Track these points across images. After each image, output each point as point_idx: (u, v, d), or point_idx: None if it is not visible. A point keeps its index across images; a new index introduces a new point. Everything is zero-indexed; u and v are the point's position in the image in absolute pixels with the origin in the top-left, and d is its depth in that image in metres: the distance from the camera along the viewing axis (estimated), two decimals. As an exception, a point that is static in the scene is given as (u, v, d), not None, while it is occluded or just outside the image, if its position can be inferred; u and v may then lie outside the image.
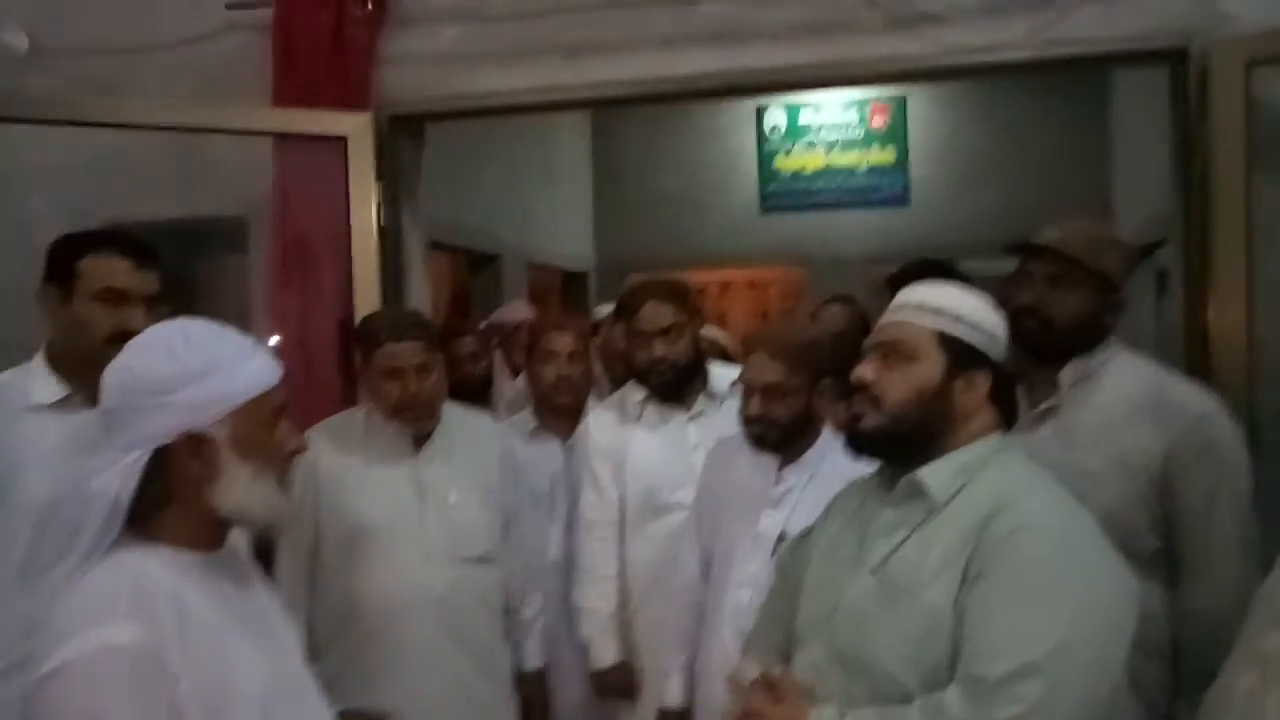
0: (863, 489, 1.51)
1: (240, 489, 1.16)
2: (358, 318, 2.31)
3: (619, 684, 2.26)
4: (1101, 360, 1.77)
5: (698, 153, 6.24)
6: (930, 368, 1.33)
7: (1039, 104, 5.57)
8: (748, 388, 1.87)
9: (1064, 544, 1.23)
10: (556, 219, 5.91)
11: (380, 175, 2.37)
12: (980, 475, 1.31)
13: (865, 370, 1.38)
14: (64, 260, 1.73)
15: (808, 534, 1.62)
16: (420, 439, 2.05)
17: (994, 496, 1.27)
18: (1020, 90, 5.59)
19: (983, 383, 1.34)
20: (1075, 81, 5.39)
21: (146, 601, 1.07)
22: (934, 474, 1.32)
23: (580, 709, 2.37)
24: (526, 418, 2.55)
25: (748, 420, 1.87)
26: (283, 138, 2.33)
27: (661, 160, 6.30)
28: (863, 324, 2.68)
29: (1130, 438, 1.71)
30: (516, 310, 3.77)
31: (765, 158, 6.09)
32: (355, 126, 2.30)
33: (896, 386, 1.34)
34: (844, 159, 5.93)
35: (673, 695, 2.03)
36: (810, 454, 1.90)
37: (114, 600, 1.06)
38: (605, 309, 3.92)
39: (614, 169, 6.43)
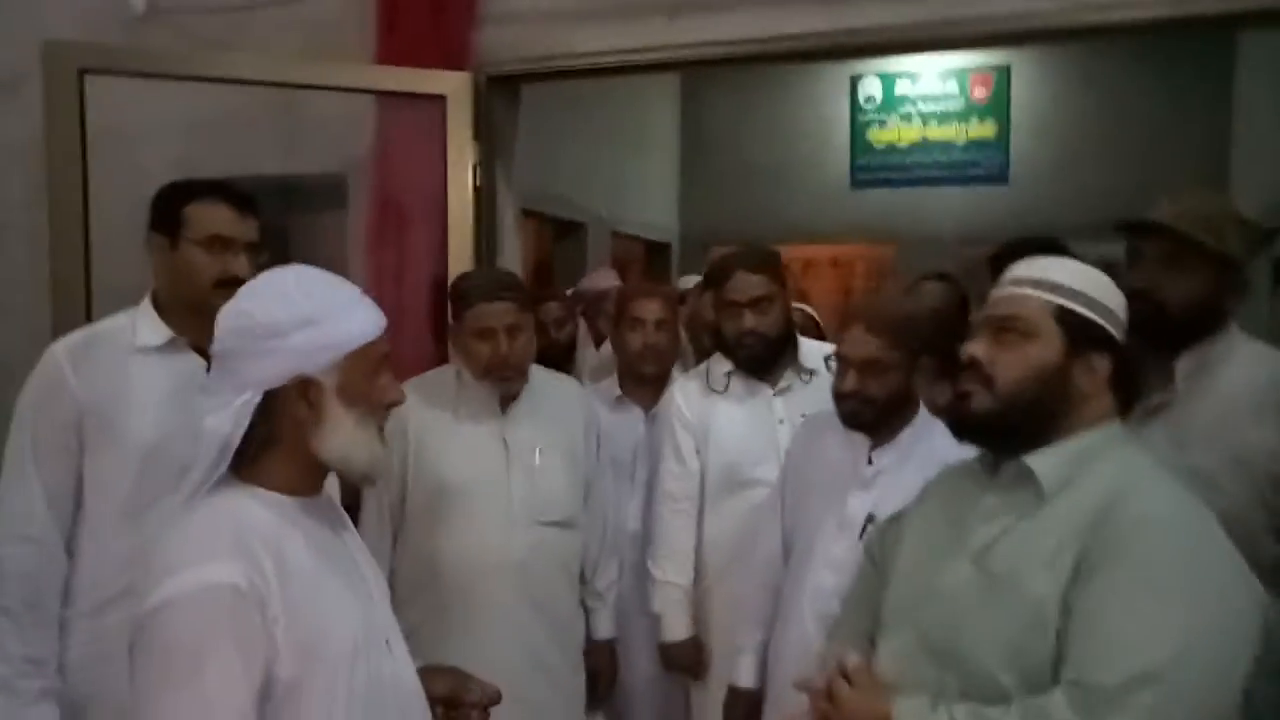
0: (960, 474, 1.44)
1: (344, 436, 1.17)
2: (451, 277, 2.33)
3: (688, 659, 2.24)
4: (1221, 350, 1.67)
5: (788, 124, 6.10)
6: (1048, 347, 1.26)
7: (1152, 74, 5.27)
8: (843, 362, 1.81)
9: (1189, 541, 1.15)
10: (642, 188, 5.87)
11: (477, 135, 2.37)
12: (1094, 465, 1.23)
13: (976, 347, 1.30)
14: (170, 208, 1.78)
15: (899, 518, 1.57)
16: (507, 400, 2.06)
17: (1111, 488, 1.20)
18: (1132, 59, 5.29)
19: (1102, 365, 1.26)
20: (1195, 49, 5.07)
21: (247, 542, 1.09)
22: (1045, 461, 1.25)
23: (648, 682, 2.36)
24: (611, 385, 2.54)
25: (841, 396, 1.81)
26: (384, 96, 2.35)
27: (751, 131, 6.18)
28: (961, 303, 2.58)
29: (1252, 435, 1.60)
30: (603, 278, 3.75)
31: (858, 130, 5.91)
32: (455, 85, 2.30)
33: (1011, 366, 1.27)
34: (941, 132, 5.71)
35: (745, 675, 2.01)
36: (905, 435, 1.83)
37: (216, 540, 1.08)
38: (690, 280, 3.88)
39: (702, 138, 6.34)
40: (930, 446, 1.81)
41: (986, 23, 2.20)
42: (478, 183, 2.41)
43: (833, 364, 1.88)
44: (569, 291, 3.60)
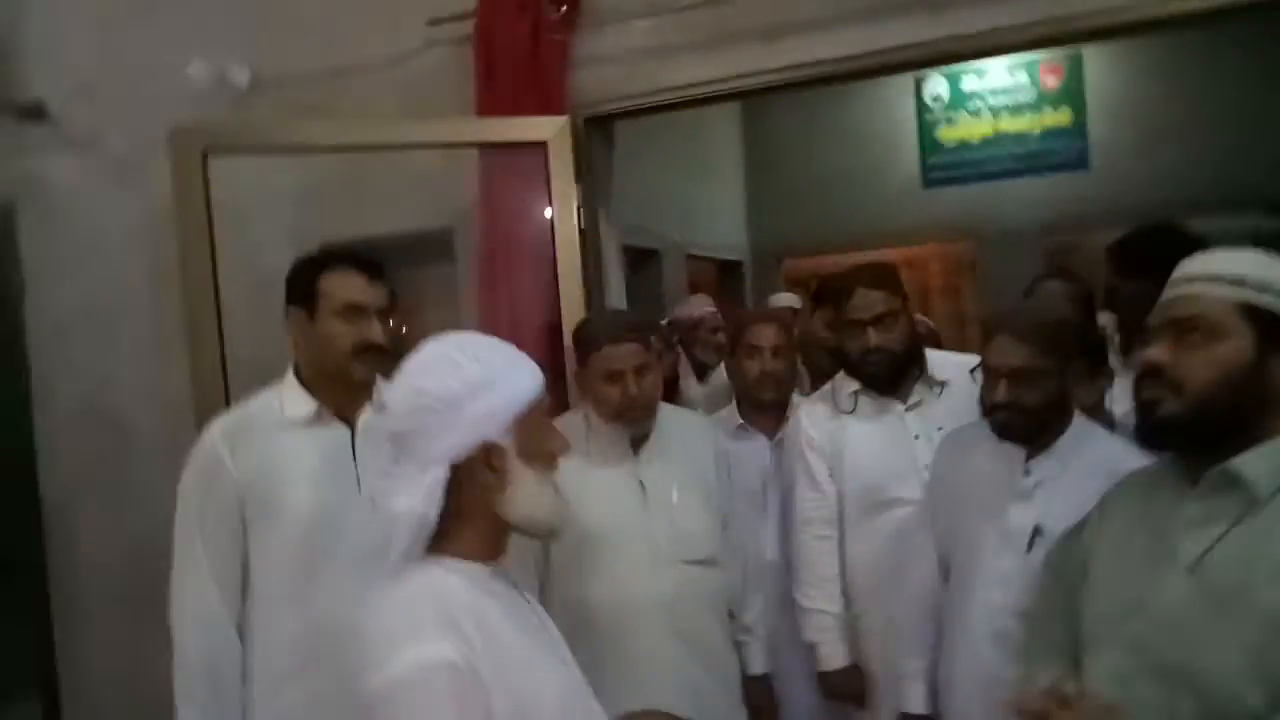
0: (1150, 481, 1.38)
1: (529, 496, 1.17)
2: (565, 320, 2.34)
3: (850, 687, 2.19)
4: None
5: (853, 130, 6.03)
6: (1238, 345, 1.20)
7: (1231, 52, 5.08)
8: (992, 373, 1.76)
9: None
10: (710, 209, 5.86)
11: (578, 177, 2.38)
12: None
13: (1158, 353, 1.25)
14: (305, 281, 1.81)
15: (1080, 530, 1.50)
16: (638, 441, 2.05)
17: None
18: (1211, 36, 5.12)
19: None
20: (1269, 27, 4.89)
21: (454, 616, 1.09)
22: (1253, 463, 1.19)
23: (809, 711, 2.31)
24: (730, 414, 2.51)
25: (993, 408, 1.76)
26: (487, 147, 2.38)
27: (815, 142, 6.12)
28: (1086, 301, 2.49)
29: None
30: (697, 305, 3.74)
31: (926, 129, 5.81)
32: (554, 130, 2.32)
33: (1199, 369, 1.21)
34: (1014, 124, 5.58)
35: (915, 701, 1.95)
36: (1062, 442, 1.77)
37: (423, 617, 1.08)
38: (783, 299, 3.84)
39: (766, 154, 6.31)
40: (1092, 453, 1.75)
41: (1061, 23, 2.12)
42: (582, 224, 2.41)
43: (978, 376, 1.82)
44: (664, 321, 3.59)
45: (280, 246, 2.52)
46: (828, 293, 2.40)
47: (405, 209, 2.58)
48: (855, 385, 2.21)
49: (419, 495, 1.13)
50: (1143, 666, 1.22)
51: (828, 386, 2.31)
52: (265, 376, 1.87)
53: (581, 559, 2.00)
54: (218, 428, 1.78)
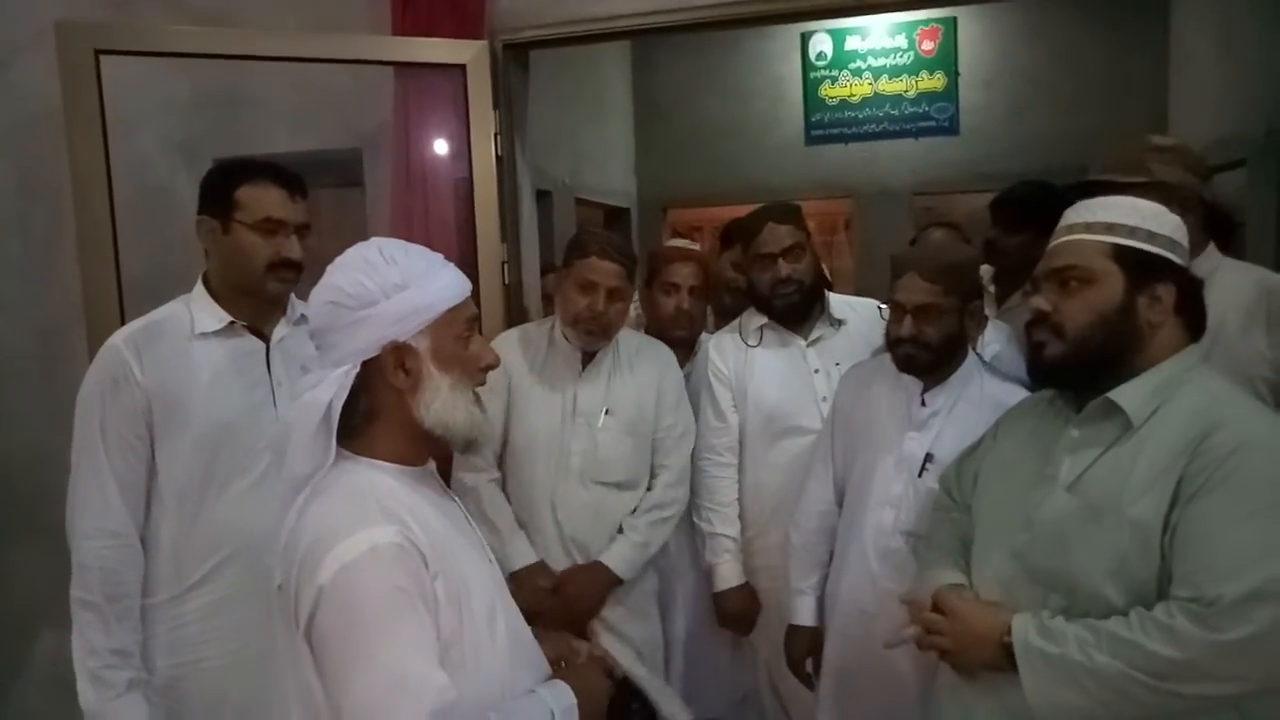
0: (1036, 410, 1.51)
1: (442, 401, 1.18)
2: (479, 249, 2.34)
3: (743, 605, 2.30)
4: (1206, 271, 1.70)
5: (741, 83, 6.15)
6: (1109, 287, 1.31)
7: (1094, 23, 5.47)
8: (898, 308, 1.88)
9: None
10: (600, 155, 5.85)
11: (496, 104, 2.35)
12: (1179, 393, 1.29)
13: (1042, 301, 1.37)
14: (221, 191, 1.75)
15: (972, 455, 1.65)
16: (586, 362, 2.13)
17: (1201, 413, 1.25)
18: (1074, 8, 5.48)
19: (1167, 295, 1.31)
20: (1126, 2, 5.29)
21: (391, 507, 1.11)
22: (1129, 394, 1.31)
23: (692, 637, 2.42)
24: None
25: (898, 341, 1.88)
26: (400, 68, 2.31)
27: (704, 92, 6.21)
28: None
29: (1245, 345, 1.68)
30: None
31: (810, 86, 5.98)
32: (473, 54, 2.28)
33: (1077, 312, 1.33)
34: (892, 86, 5.83)
35: (805, 614, 2.09)
36: (956, 377, 1.91)
37: (364, 507, 1.10)
38: (680, 243, 3.89)
39: (655, 103, 6.35)
40: (980, 386, 1.90)
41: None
42: (499, 152, 2.39)
43: (885, 311, 1.95)
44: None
45: (170, 159, 2.39)
46: (736, 233, 2.47)
47: (311, 128, 2.48)
48: (762, 320, 2.31)
49: (327, 387, 1.14)
50: (1021, 570, 1.36)
51: (737, 321, 2.40)
52: (155, 297, 1.80)
53: (506, 468, 2.09)
54: (121, 337, 1.71)
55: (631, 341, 2.22)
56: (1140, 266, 1.31)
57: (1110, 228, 1.33)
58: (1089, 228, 1.35)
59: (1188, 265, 1.36)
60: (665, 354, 2.28)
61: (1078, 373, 1.36)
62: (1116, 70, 5.39)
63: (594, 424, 2.09)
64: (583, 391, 2.11)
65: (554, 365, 2.13)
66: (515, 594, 1.32)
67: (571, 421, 2.09)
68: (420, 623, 1.07)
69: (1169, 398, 1.29)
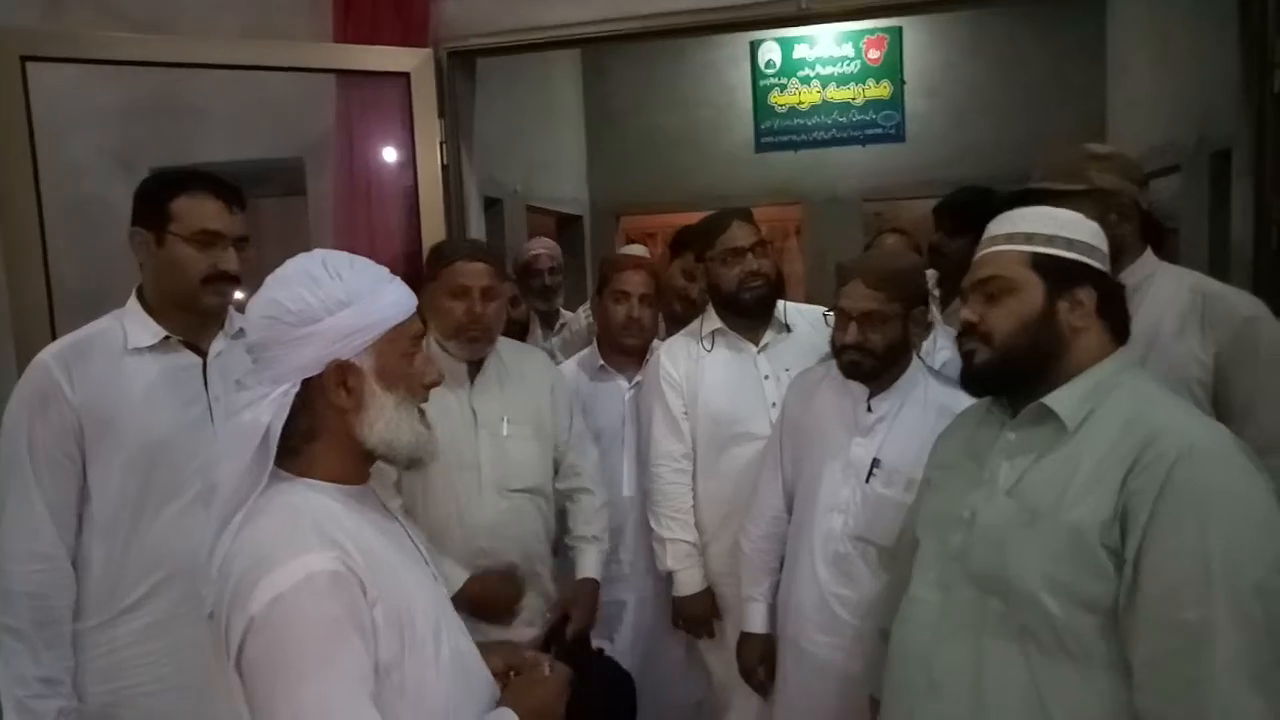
0: (974, 419, 1.52)
1: (386, 420, 1.14)
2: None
3: (703, 610, 2.30)
4: (1142, 276, 1.76)
5: (691, 91, 6.19)
6: (1030, 295, 1.33)
7: (1033, 35, 5.61)
8: (843, 315, 1.90)
9: (1237, 465, 1.20)
10: (553, 162, 5.85)
11: (441, 112, 2.33)
12: (1111, 396, 1.31)
13: (969, 312, 1.39)
14: (155, 202, 1.70)
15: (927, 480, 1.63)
16: (473, 371, 2.09)
17: (1136, 420, 1.26)
18: (1014, 20, 5.61)
19: (1088, 299, 1.33)
20: (1071, 11, 5.42)
21: (328, 531, 1.08)
22: (1062, 399, 1.32)
23: (649, 642, 2.42)
24: (593, 355, 2.55)
25: (843, 348, 1.89)
26: (344, 76, 2.27)
27: (655, 100, 6.24)
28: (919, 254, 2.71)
29: (1180, 348, 1.71)
30: (534, 245, 3.71)
31: (760, 94, 6.04)
32: (417, 62, 2.25)
33: (1001, 321, 1.35)
34: (840, 94, 5.91)
35: (757, 621, 2.09)
36: (901, 382, 1.93)
37: (300, 531, 1.06)
38: (634, 249, 3.89)
39: (607, 111, 6.36)
40: (926, 392, 1.93)
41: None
42: (444, 160, 2.37)
43: (830, 318, 1.96)
44: (509, 269, 3.56)
45: (103, 168, 2.33)
46: (691, 239, 2.47)
47: (252, 136, 2.43)
48: (716, 325, 2.31)
49: (266, 408, 1.09)
50: (962, 574, 1.37)
51: (691, 326, 2.39)
52: (90, 311, 1.75)
53: (405, 490, 2.02)
54: (51, 353, 1.65)
55: (510, 348, 2.20)
56: (1059, 273, 1.34)
57: (1029, 237, 1.36)
58: (1010, 238, 1.38)
59: (1108, 269, 1.39)
60: (546, 358, 2.33)
61: (1007, 378, 1.38)
62: (1056, 79, 5.53)
63: (498, 433, 2.07)
64: (479, 402, 2.07)
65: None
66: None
67: (475, 434, 2.05)
68: (354, 657, 1.03)
69: (1101, 402, 1.31)
